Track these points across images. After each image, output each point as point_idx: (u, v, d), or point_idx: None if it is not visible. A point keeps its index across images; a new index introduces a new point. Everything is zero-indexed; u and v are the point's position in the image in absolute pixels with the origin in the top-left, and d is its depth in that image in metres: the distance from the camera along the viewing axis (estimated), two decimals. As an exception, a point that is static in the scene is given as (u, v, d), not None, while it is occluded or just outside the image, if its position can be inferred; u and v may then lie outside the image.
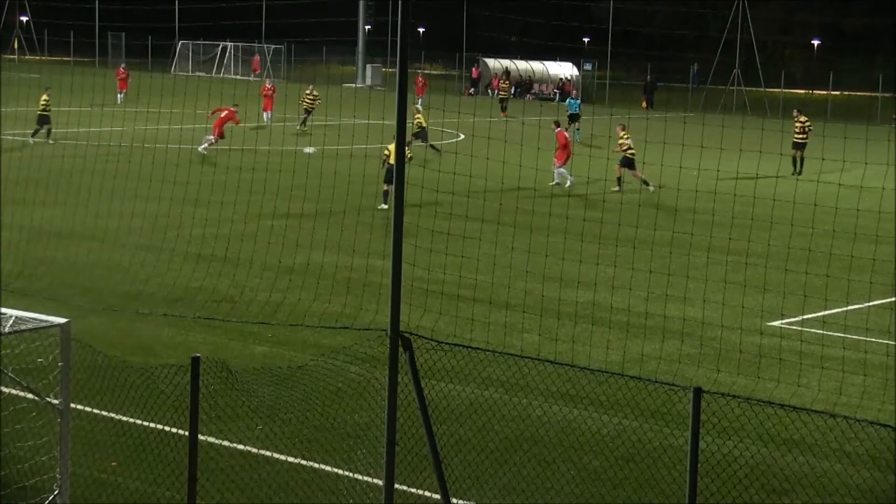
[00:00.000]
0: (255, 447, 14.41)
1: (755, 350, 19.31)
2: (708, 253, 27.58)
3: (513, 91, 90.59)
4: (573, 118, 56.88)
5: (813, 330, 21.08)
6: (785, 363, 18.50)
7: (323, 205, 32.52)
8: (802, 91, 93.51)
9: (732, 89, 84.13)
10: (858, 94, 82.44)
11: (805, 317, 21.78)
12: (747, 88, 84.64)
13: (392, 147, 31.37)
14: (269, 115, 56.73)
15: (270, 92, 57.13)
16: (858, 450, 14.48)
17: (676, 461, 13.88)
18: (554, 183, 38.90)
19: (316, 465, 13.97)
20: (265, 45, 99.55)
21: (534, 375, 16.58)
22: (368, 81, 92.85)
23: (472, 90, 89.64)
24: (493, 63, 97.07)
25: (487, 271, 23.85)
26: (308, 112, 54.13)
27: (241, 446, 14.47)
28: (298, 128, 53.26)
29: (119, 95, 65.72)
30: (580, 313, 21.26)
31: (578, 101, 60.98)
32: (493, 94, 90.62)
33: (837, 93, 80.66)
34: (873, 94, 78.16)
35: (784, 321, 21.64)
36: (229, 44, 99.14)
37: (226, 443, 14.45)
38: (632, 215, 27.95)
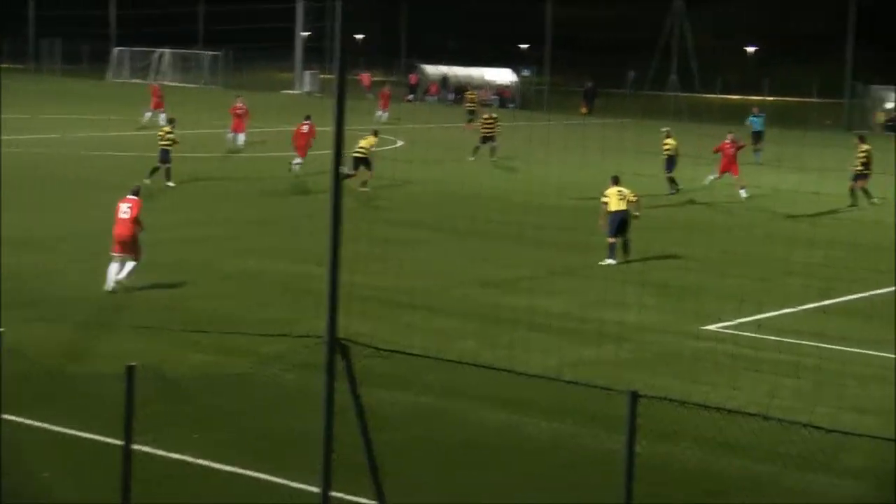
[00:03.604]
0: (191, 456, 14.32)
1: (691, 354, 19.45)
2: (644, 258, 27.78)
3: (451, 97, 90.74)
4: (757, 137, 52.41)
5: (748, 333, 21.25)
6: (720, 367, 18.65)
7: (260, 211, 32.43)
8: (738, 97, 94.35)
9: (669, 95, 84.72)
10: (794, 99, 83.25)
11: (740, 321, 21.96)
12: (684, 94, 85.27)
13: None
14: (242, 138, 47.96)
15: (242, 111, 48.23)
16: (791, 452, 14.58)
17: (613, 465, 13.93)
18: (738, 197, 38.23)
19: (252, 474, 13.91)
20: (203, 52, 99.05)
21: (472, 381, 16.59)
22: (307, 88, 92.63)
23: (410, 97, 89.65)
24: (432, 69, 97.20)
25: (426, 277, 23.87)
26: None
27: (177, 455, 14.37)
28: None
29: (148, 114, 57.70)
30: (518, 318, 21.30)
31: (762, 118, 54.72)
32: (431, 100, 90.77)
33: (772, 98, 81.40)
34: (809, 99, 78.94)
35: (719, 325, 21.81)
36: (166, 50, 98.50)
37: (161, 452, 14.33)
38: (570, 221, 28.09)
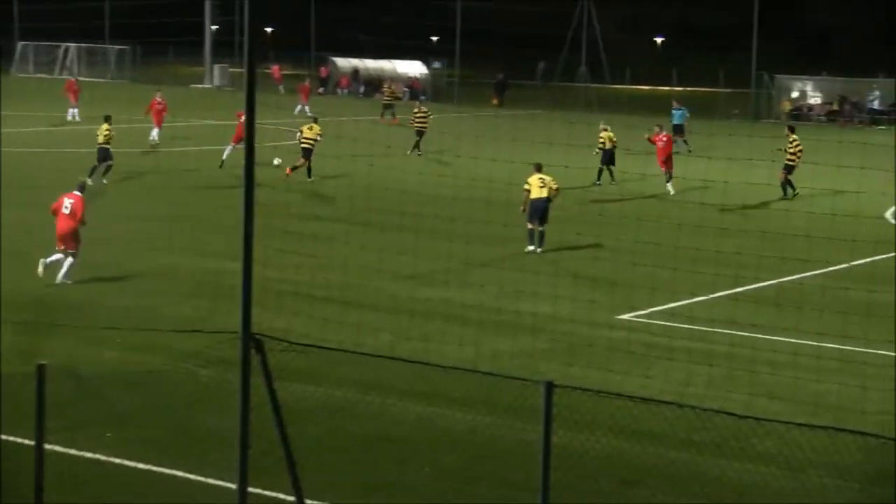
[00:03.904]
0: (105, 455, 14.16)
1: (605, 343, 19.60)
2: (558, 248, 27.94)
3: (362, 90, 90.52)
4: (678, 130, 52.34)
5: (661, 322, 21.47)
6: (634, 356, 18.82)
7: (174, 208, 32.14)
8: (647, 87, 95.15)
9: (579, 86, 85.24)
10: (702, 90, 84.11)
11: (653, 309, 22.17)
12: (594, 85, 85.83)
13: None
14: (158, 133, 47.99)
15: (161, 106, 48.08)
16: (705, 439, 14.78)
17: (530, 456, 13.99)
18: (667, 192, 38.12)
19: (168, 471, 13.79)
20: (110, 47, 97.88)
21: (388, 374, 16.60)
22: (217, 82, 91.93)
23: (321, 89, 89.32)
24: (343, 62, 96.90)
25: (340, 271, 23.81)
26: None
27: (90, 454, 14.21)
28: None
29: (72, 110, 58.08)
30: (433, 311, 21.33)
31: (683, 111, 55.42)
32: (342, 92, 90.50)
33: (681, 89, 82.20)
34: (716, 89, 79.82)
35: (633, 314, 22.00)
36: (72, 45, 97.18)
37: (74, 451, 14.17)
38: (483, 213, 28.14)
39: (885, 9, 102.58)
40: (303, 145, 39.02)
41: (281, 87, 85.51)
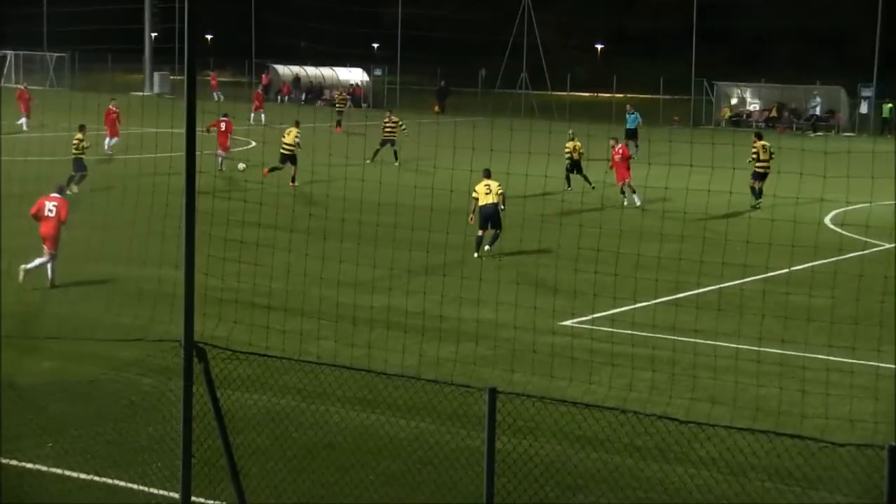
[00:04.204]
0: (45, 465, 14.02)
1: (548, 350, 19.66)
2: (500, 254, 28.01)
3: (303, 97, 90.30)
4: (631, 134, 53.72)
5: (603, 328, 21.56)
6: (577, 362, 18.88)
7: (112, 216, 31.88)
8: (588, 94, 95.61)
9: (520, 93, 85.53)
10: (641, 96, 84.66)
11: (595, 315, 22.27)
12: (535, 92, 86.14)
13: None
14: (113, 142, 47.75)
15: (115, 115, 47.70)
16: (648, 444, 14.86)
17: (474, 462, 14.01)
18: (632, 203, 37.72)
19: (109, 481, 13.67)
20: (48, 54, 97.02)
21: (330, 382, 16.54)
22: (156, 89, 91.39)
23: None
24: (283, 69, 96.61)
25: (282, 279, 23.73)
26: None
27: (30, 465, 14.07)
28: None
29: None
30: (375, 318, 21.31)
31: (636, 116, 56.94)
32: (283, 100, 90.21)
33: (622, 95, 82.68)
34: (656, 96, 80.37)
35: (575, 320, 22.08)
36: (9, 52, 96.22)
37: (13, 462, 14.02)
38: (425, 220, 28.10)
39: (820, 17, 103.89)
40: (283, 151, 39.74)
41: (216, 94, 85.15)
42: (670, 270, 24.77)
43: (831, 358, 19.53)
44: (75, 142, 37.07)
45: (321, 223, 27.20)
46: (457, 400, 15.87)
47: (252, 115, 66.50)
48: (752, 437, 11.41)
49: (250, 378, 15.69)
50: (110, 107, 47.53)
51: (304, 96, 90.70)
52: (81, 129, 37.44)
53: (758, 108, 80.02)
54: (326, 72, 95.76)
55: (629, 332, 21.14)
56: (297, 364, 16.50)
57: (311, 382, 16.57)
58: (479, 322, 21.02)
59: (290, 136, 40.36)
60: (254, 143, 52.89)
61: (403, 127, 48.95)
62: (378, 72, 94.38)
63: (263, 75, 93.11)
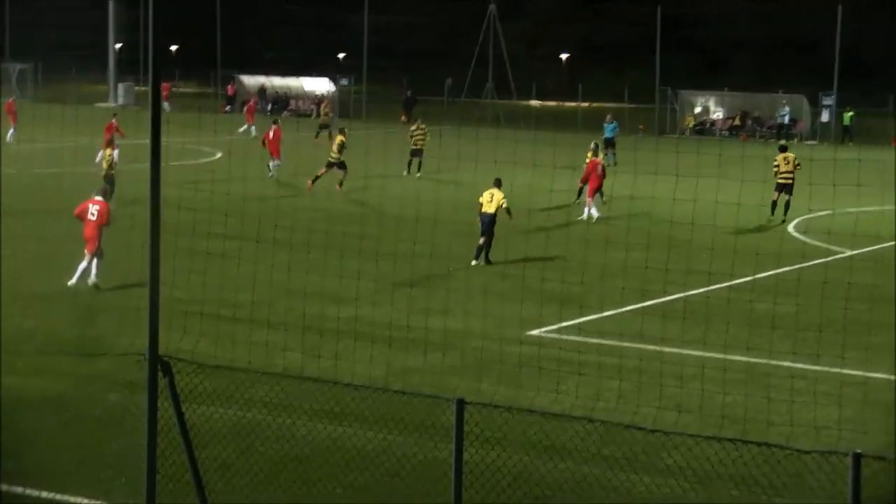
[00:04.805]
0: (5, 484, 13.86)
1: (515, 359, 19.63)
2: (466, 265, 28.00)
3: (269, 108, 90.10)
4: (609, 143, 53.74)
5: (570, 337, 21.56)
6: (544, 371, 18.86)
7: (76, 227, 31.67)
8: (554, 103, 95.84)
9: (486, 102, 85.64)
10: (607, 105, 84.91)
11: (562, 325, 22.27)
12: (501, 101, 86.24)
13: None
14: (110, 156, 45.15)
15: (115, 127, 46.44)
16: (616, 453, 14.86)
17: (442, 473, 13.97)
18: (588, 217, 36.86)
19: (72, 499, 13.55)
20: (10, 65, 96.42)
21: (297, 394, 16.48)
22: (121, 100, 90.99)
23: (228, 107, 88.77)
24: (249, 80, 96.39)
25: (247, 290, 23.62)
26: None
27: (-8, 483, 13.92)
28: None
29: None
30: (342, 329, 21.23)
31: (615, 125, 57.78)
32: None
33: (587, 104, 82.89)
34: (621, 105, 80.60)
35: (542, 330, 22.08)
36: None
37: (-24, 480, 13.88)
38: (390, 230, 28.14)
39: (782, 26, 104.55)
40: (330, 160, 41.03)
41: (166, 105, 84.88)
42: (637, 279, 24.83)
43: (796, 365, 19.61)
44: (108, 160, 37.02)
45: (288, 234, 27.11)
46: (424, 411, 15.85)
47: (250, 127, 66.51)
48: (719, 445, 11.41)
49: (216, 391, 15.59)
50: (112, 122, 47.74)
51: (269, 107, 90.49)
52: (111, 145, 37.68)
53: (721, 116, 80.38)
54: (292, 82, 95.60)
55: (596, 340, 21.16)
56: (263, 376, 16.44)
57: (277, 395, 16.50)
58: (447, 332, 20.98)
59: (336, 143, 41.39)
60: (219, 154, 52.71)
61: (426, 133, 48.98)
62: (344, 81, 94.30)
63: (229, 86, 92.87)
